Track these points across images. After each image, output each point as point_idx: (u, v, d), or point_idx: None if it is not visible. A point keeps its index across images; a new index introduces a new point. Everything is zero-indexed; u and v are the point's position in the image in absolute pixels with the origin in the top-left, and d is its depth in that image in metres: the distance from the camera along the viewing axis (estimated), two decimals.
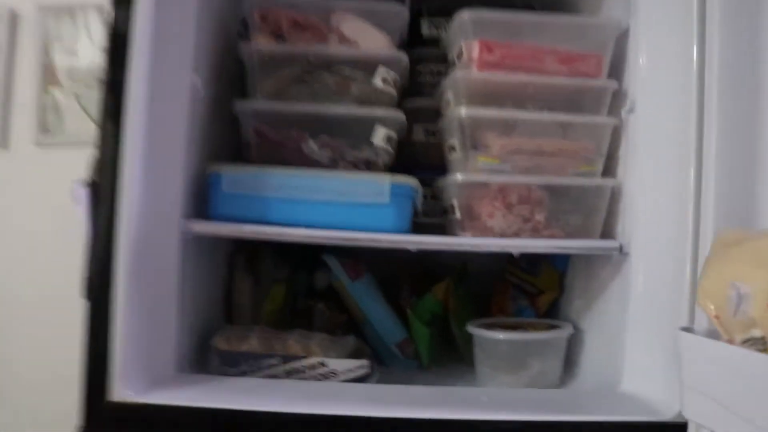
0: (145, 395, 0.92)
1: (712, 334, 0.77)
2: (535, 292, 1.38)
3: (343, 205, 1.06)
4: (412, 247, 1.07)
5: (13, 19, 2.09)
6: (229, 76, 1.19)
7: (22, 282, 1.88)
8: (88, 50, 2.10)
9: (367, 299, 1.27)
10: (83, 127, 1.96)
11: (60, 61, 2.16)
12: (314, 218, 1.05)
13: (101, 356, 0.91)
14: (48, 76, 2.17)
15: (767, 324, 0.70)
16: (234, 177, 1.07)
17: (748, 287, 0.72)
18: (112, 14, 0.92)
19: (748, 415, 0.69)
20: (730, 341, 0.74)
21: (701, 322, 0.84)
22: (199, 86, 1.05)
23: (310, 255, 1.34)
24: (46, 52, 2.17)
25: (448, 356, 1.31)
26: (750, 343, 0.72)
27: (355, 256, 1.29)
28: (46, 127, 2.14)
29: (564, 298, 1.37)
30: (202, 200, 1.08)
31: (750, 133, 0.88)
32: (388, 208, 1.06)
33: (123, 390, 0.90)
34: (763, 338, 0.71)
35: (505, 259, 1.44)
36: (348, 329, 1.26)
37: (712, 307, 0.76)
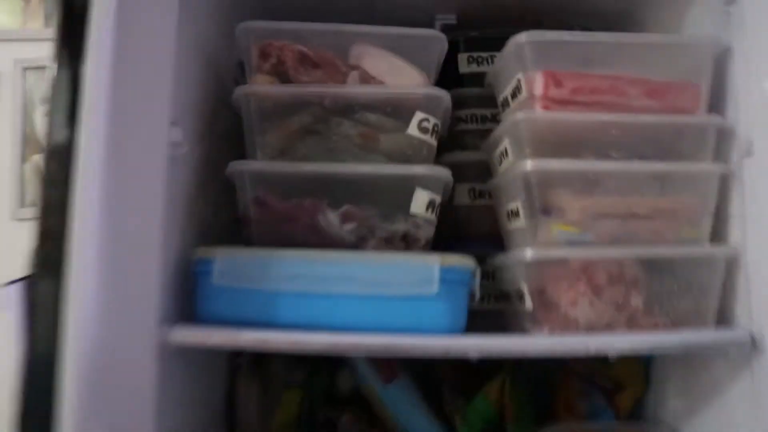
0: None
1: None
2: (612, 387, 1.09)
3: (376, 299, 0.77)
4: (474, 356, 0.78)
5: None
6: (225, 133, 0.94)
7: None
8: None
9: (405, 408, 1.01)
10: None
11: (42, 126, 1.96)
12: (337, 317, 0.77)
13: None
14: (29, 142, 1.96)
15: None
16: (229, 264, 0.80)
17: None
18: (55, 71, 0.69)
19: None
20: None
21: None
22: (180, 141, 0.79)
23: None
24: (27, 116, 1.97)
25: None
26: None
27: None
28: (26, 198, 1.93)
29: (652, 394, 1.08)
30: (187, 296, 0.82)
31: None
32: (437, 300, 0.77)
33: None
34: None
35: None
36: None
37: None
